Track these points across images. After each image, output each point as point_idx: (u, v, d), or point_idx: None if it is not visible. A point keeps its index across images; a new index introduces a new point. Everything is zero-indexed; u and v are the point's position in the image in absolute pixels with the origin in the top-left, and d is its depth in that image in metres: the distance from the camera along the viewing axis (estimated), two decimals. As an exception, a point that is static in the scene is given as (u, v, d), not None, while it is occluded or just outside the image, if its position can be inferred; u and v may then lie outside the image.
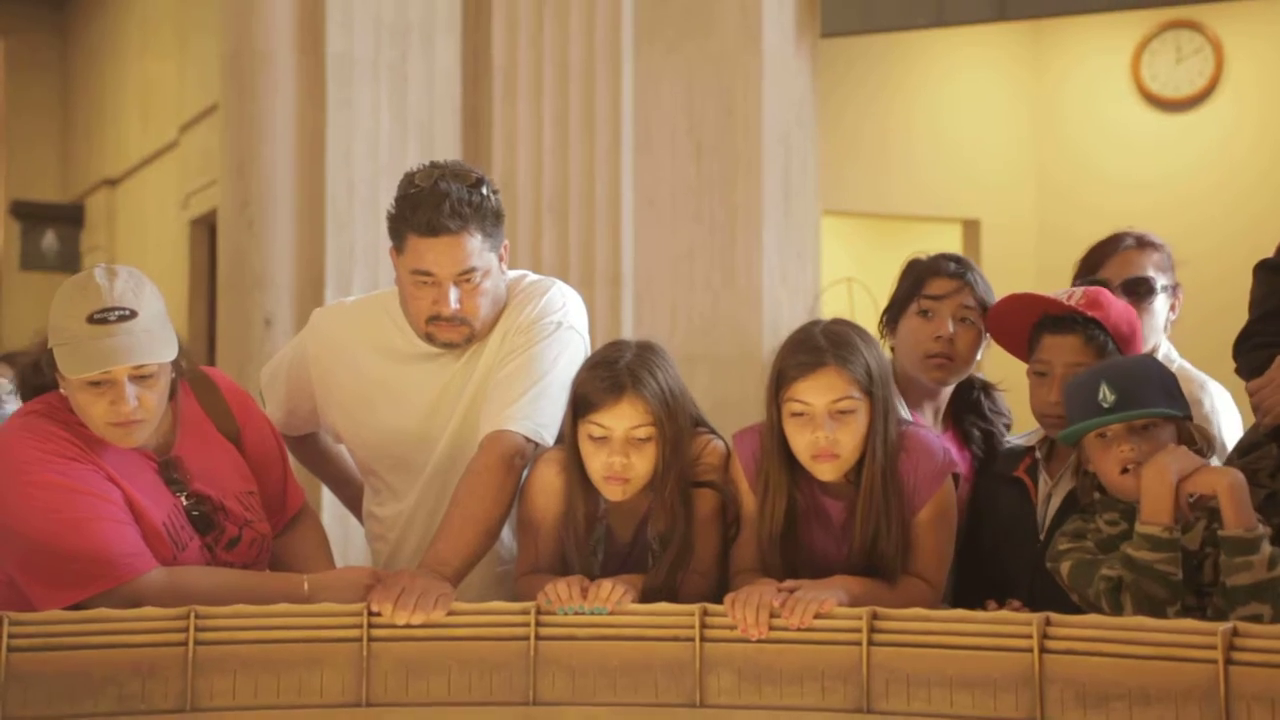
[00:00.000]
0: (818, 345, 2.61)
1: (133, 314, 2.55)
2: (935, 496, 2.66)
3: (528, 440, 2.79)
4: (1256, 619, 2.35)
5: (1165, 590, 2.43)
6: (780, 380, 2.63)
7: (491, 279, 2.88)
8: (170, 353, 2.59)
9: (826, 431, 2.58)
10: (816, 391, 2.59)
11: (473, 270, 2.83)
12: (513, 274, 3.01)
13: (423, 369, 2.95)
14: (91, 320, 2.53)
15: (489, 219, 2.85)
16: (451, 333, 2.88)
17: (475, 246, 2.83)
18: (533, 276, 3.02)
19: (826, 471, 2.63)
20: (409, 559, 2.95)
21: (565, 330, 2.91)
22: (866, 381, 2.60)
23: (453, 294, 2.84)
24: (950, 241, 8.67)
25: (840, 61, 7.76)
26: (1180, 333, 3.54)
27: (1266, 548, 2.41)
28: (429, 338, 2.90)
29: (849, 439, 2.60)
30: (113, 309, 2.54)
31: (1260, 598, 2.40)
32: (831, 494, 2.68)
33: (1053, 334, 2.86)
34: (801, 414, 2.60)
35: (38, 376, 2.67)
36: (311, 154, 5.26)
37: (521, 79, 5.58)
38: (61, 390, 2.61)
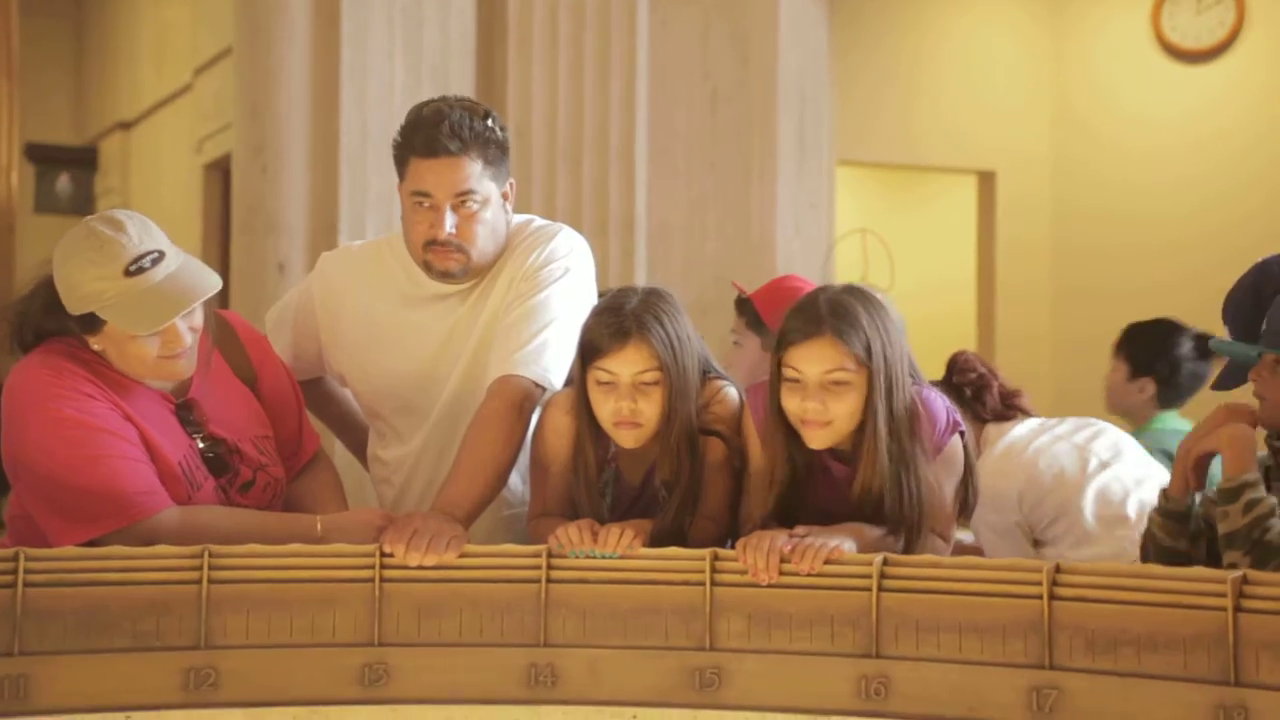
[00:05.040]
0: (818, 314, 2.59)
1: (162, 255, 2.56)
2: (941, 455, 2.66)
3: (536, 385, 2.80)
4: (1233, 568, 2.36)
5: (1165, 559, 2.45)
6: (779, 343, 2.63)
7: (491, 210, 2.87)
8: (213, 279, 2.61)
9: (815, 401, 2.57)
10: (809, 360, 2.58)
11: (470, 194, 2.83)
12: (520, 218, 3.01)
13: (428, 311, 2.96)
14: (129, 274, 2.52)
15: (492, 148, 2.85)
16: (448, 260, 2.88)
17: (474, 171, 2.83)
18: (540, 221, 3.01)
19: (814, 439, 2.61)
20: (415, 502, 2.96)
21: (572, 275, 2.91)
22: (865, 355, 2.57)
23: (449, 218, 2.83)
24: (966, 193, 8.64)
25: (858, 12, 7.71)
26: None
27: (1247, 495, 2.42)
28: (426, 266, 2.90)
29: (842, 409, 2.58)
30: (144, 255, 2.54)
31: (1232, 545, 2.41)
32: (835, 455, 2.67)
33: None
34: (795, 380, 2.60)
35: (37, 340, 2.66)
36: (325, 98, 5.24)
37: (536, 24, 5.55)
38: (95, 347, 2.60)
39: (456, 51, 5.42)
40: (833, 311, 2.59)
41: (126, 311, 2.53)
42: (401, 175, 2.89)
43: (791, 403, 2.60)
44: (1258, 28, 7.78)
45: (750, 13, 5.99)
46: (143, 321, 2.53)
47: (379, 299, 3.00)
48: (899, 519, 2.60)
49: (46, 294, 2.62)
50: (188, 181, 8.12)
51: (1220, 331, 2.96)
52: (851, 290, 2.67)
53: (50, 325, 2.62)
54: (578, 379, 2.74)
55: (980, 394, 3.68)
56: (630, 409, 2.67)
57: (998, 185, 8.34)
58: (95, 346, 2.60)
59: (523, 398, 2.78)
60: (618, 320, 2.67)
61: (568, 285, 2.90)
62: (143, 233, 2.57)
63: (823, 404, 2.57)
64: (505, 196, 2.92)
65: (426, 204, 2.85)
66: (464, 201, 2.84)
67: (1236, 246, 7.68)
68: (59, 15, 10.51)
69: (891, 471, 2.59)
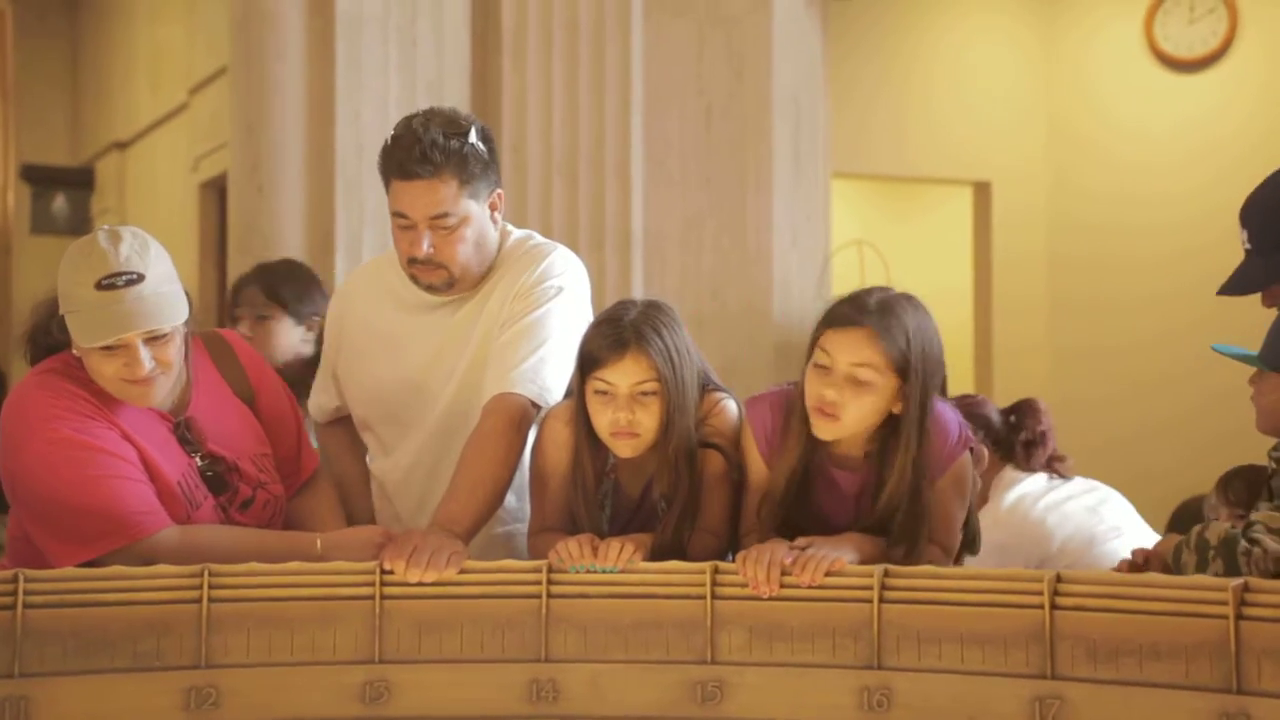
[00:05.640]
0: (865, 305, 2.56)
1: (140, 278, 2.55)
2: (952, 469, 2.65)
3: (532, 404, 2.80)
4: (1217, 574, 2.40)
5: None
6: (820, 323, 2.60)
7: (472, 227, 2.87)
8: (181, 314, 2.60)
9: (834, 392, 2.55)
10: (843, 347, 2.54)
11: (445, 216, 2.83)
12: (519, 233, 3.01)
13: (421, 320, 2.97)
14: (100, 287, 2.53)
15: (470, 166, 2.84)
16: (430, 276, 2.90)
17: (448, 194, 2.83)
18: (538, 239, 3.02)
19: (822, 429, 2.59)
20: (408, 518, 2.96)
21: (567, 293, 2.92)
22: (900, 359, 2.53)
23: (426, 239, 2.85)
24: (961, 204, 8.66)
25: (852, 25, 7.73)
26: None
27: (1182, 540, 2.48)
28: (414, 279, 2.93)
29: (856, 409, 2.56)
30: (120, 274, 2.54)
31: (1207, 570, 2.43)
32: (841, 465, 2.66)
33: None
34: (824, 366, 2.57)
35: (47, 338, 2.68)
36: (321, 116, 5.26)
37: (531, 40, 5.57)
38: (75, 352, 2.61)
39: (451, 68, 5.43)
40: (881, 307, 2.55)
41: (79, 321, 2.55)
42: (386, 192, 2.91)
43: (813, 386, 2.57)
44: (1250, 36, 7.80)
45: (744, 26, 6.01)
46: (84, 333, 2.55)
47: (378, 306, 3.03)
48: (907, 533, 2.59)
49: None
50: (183, 201, 8.13)
51: (1209, 340, 2.97)
52: (907, 297, 2.61)
53: (54, 327, 2.64)
54: (576, 389, 2.74)
55: (1032, 446, 3.73)
56: (628, 420, 2.67)
57: (993, 196, 8.35)
58: (75, 350, 2.61)
59: (520, 415, 2.79)
60: (616, 331, 2.68)
61: (563, 303, 2.90)
62: (135, 253, 2.56)
63: (842, 397, 2.54)
64: (493, 206, 2.92)
65: (406, 224, 2.86)
66: (441, 223, 2.84)
67: (1232, 257, 7.66)
68: (54, 35, 10.52)
69: (911, 484, 2.58)
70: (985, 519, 3.60)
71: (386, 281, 3.03)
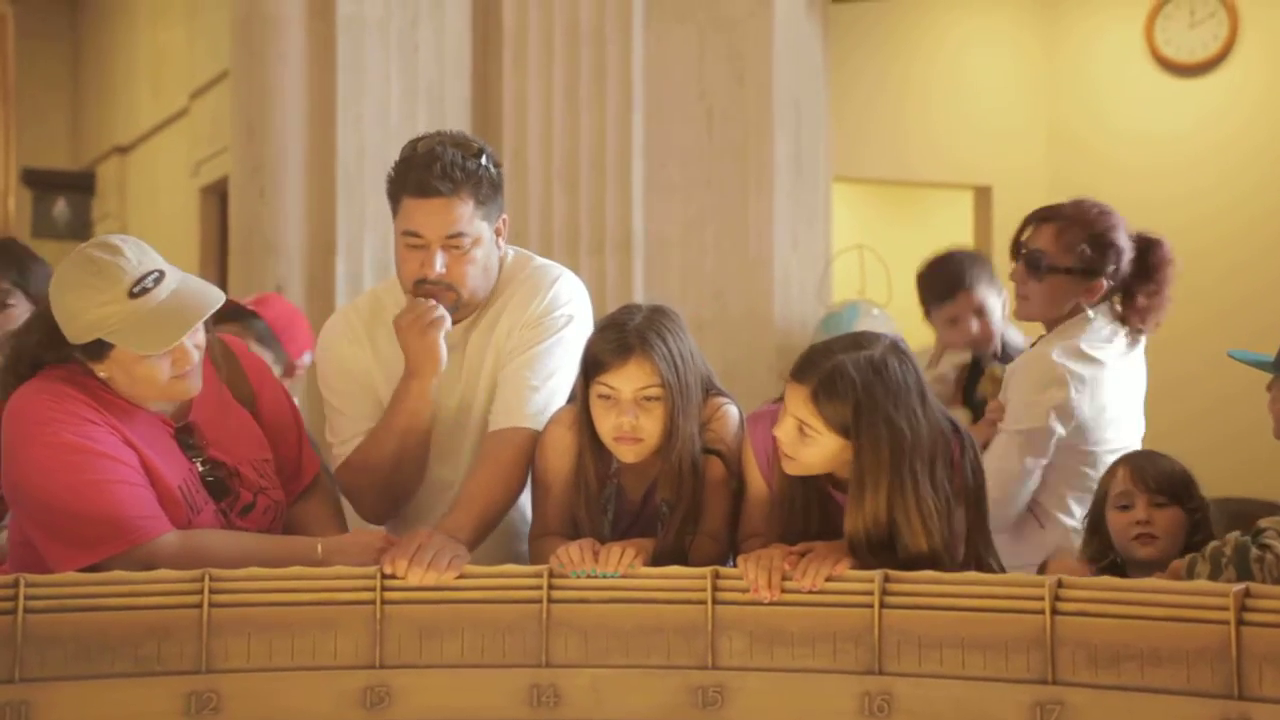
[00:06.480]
0: (814, 365, 2.55)
1: (163, 274, 2.56)
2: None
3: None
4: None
5: None
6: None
7: (482, 249, 2.87)
8: (218, 291, 2.62)
9: (787, 436, 2.56)
10: (793, 403, 2.56)
11: (460, 236, 2.83)
12: (515, 253, 3.00)
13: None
14: (134, 295, 2.52)
15: (484, 188, 2.84)
16: (438, 298, 2.87)
17: (465, 212, 2.82)
18: (539, 260, 3.02)
19: (786, 465, 2.61)
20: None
21: (575, 324, 2.93)
22: (849, 419, 2.51)
23: (439, 258, 2.83)
24: (962, 208, 8.65)
25: (852, 28, 7.72)
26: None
27: (1195, 558, 2.49)
28: None
29: (806, 457, 2.57)
30: (146, 275, 2.54)
31: (1220, 578, 2.44)
32: (838, 486, 2.66)
33: None
34: (785, 410, 2.59)
35: (34, 372, 2.64)
36: (322, 119, 5.26)
37: (532, 44, 5.57)
38: (101, 374, 2.59)
39: (452, 72, 5.44)
40: (830, 375, 2.53)
41: (135, 333, 2.53)
42: (394, 211, 2.89)
43: (777, 429, 2.61)
44: (1251, 40, 7.79)
45: (745, 30, 6.00)
46: (153, 341, 2.53)
47: (378, 351, 2.96)
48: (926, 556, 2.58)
49: (43, 326, 2.62)
50: (185, 205, 8.13)
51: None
52: (862, 345, 2.57)
53: (49, 357, 2.62)
54: (580, 393, 2.74)
55: (1146, 313, 3.46)
56: (631, 424, 2.67)
57: (994, 201, 8.35)
58: (101, 374, 2.60)
59: (528, 449, 2.81)
60: (621, 336, 2.68)
61: (572, 333, 2.91)
62: (140, 254, 2.57)
63: (794, 447, 2.57)
64: (498, 232, 2.93)
65: (417, 243, 2.85)
66: (455, 243, 2.84)
67: (1233, 260, 7.66)
68: (55, 38, 10.52)
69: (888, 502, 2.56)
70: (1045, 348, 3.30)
71: (384, 324, 2.95)
